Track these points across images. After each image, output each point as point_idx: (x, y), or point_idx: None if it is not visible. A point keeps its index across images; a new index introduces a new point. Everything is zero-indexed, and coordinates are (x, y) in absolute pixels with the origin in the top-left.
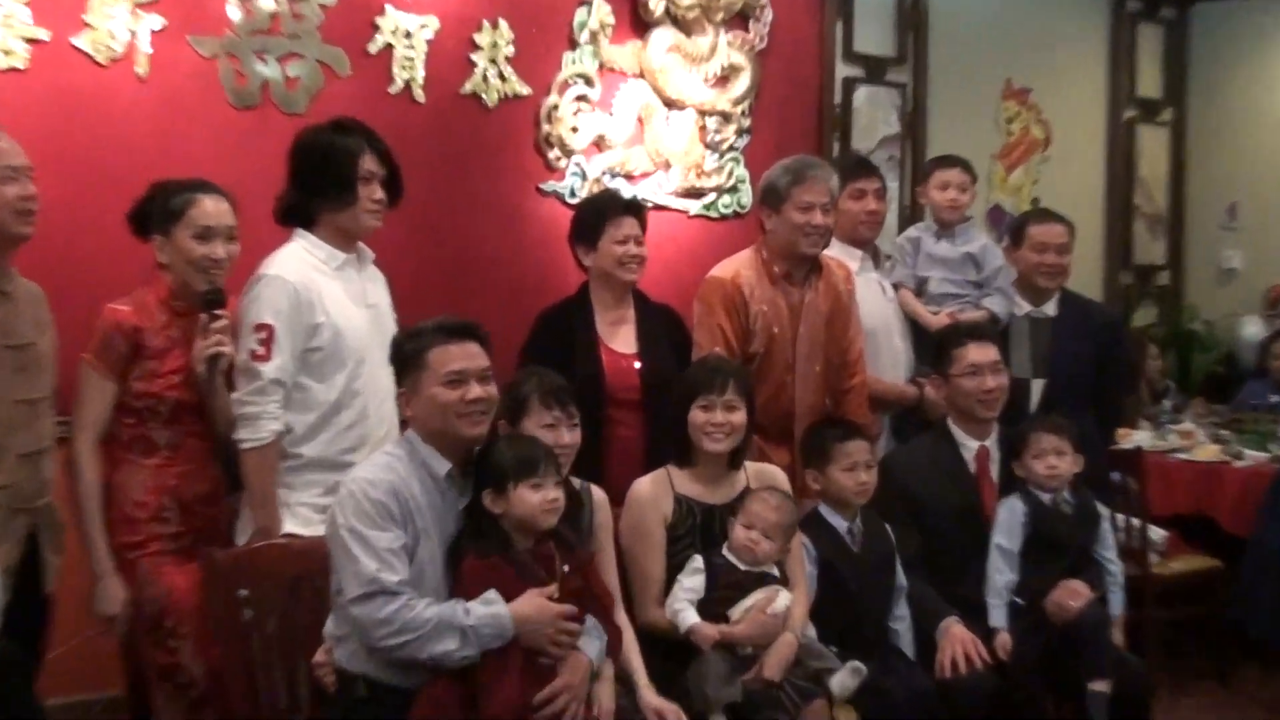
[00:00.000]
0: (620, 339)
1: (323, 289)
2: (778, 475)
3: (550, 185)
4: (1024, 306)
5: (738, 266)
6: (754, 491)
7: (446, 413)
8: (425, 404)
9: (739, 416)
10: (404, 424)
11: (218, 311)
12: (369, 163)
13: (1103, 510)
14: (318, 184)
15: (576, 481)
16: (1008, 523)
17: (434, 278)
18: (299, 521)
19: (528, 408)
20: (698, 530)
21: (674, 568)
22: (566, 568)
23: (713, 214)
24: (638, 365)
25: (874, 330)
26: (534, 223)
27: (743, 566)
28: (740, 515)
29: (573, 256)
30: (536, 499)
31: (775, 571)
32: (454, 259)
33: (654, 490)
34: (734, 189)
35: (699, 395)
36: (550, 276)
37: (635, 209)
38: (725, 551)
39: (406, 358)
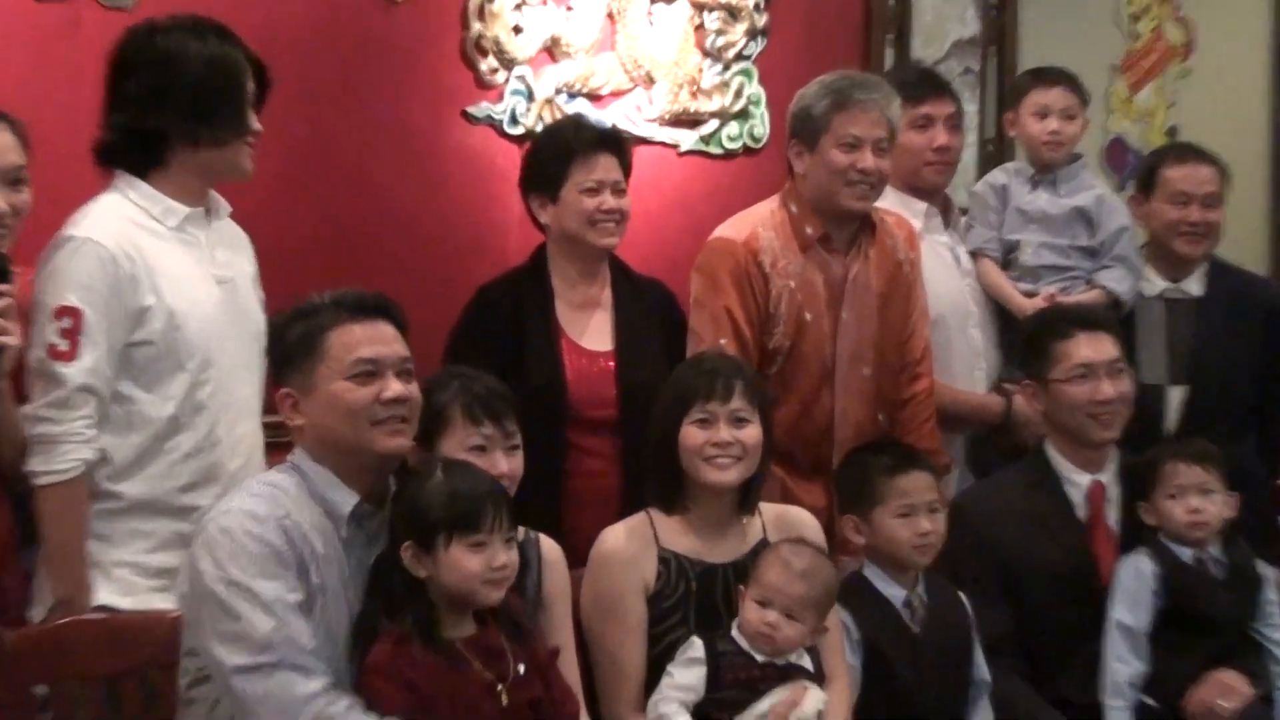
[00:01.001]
0: (591, 330)
1: (154, 258)
2: (807, 522)
3: (482, 109)
4: (1157, 283)
5: (754, 226)
6: (772, 549)
7: (354, 419)
8: (322, 408)
9: (751, 434)
10: (274, 448)
11: None
12: (249, 83)
13: (1266, 572)
14: (196, 109)
15: (520, 532)
16: (1133, 591)
17: (318, 240)
18: (118, 589)
19: (446, 422)
20: (692, 602)
21: (658, 655)
22: (522, 668)
23: (715, 150)
24: (614, 368)
25: (943, 317)
26: (460, 161)
27: (759, 657)
28: (752, 586)
29: (525, 211)
30: (476, 564)
31: (805, 661)
32: (347, 214)
33: (630, 545)
34: (744, 114)
35: (693, 405)
36: (487, 238)
37: (614, 144)
38: (734, 633)
39: (292, 345)
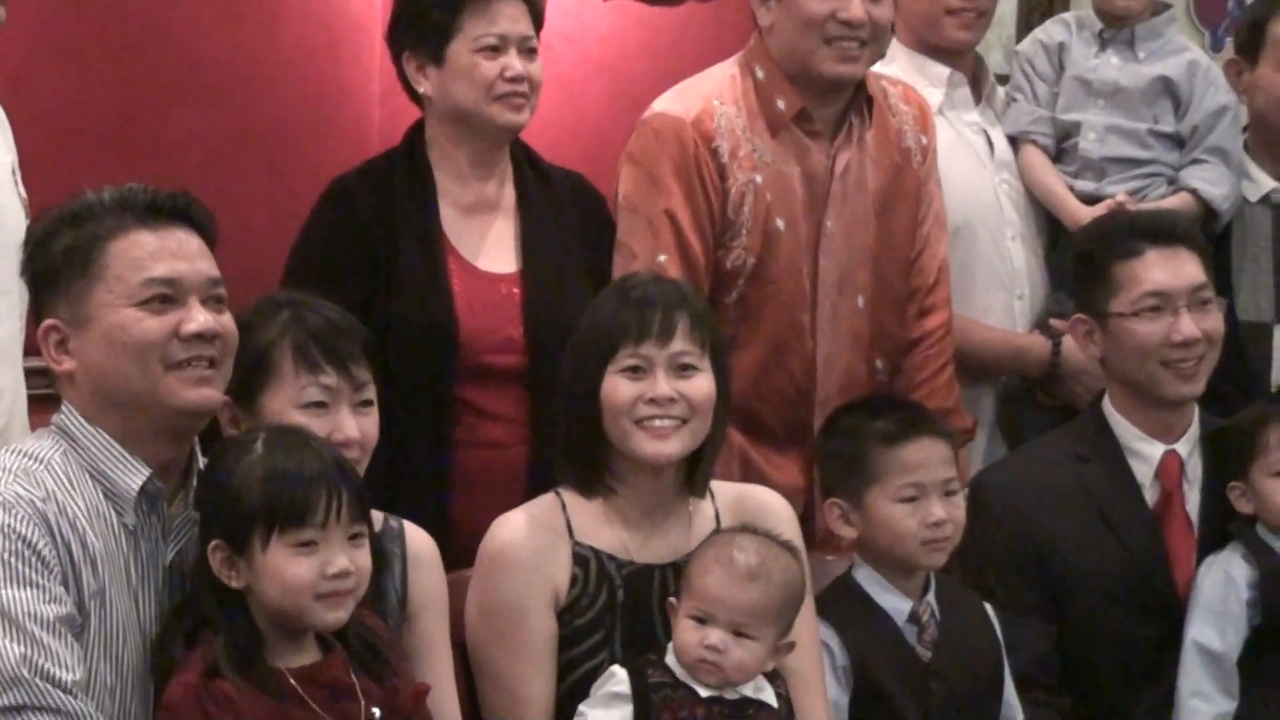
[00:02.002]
0: (488, 245)
1: None
2: (776, 507)
3: None
4: (1263, 183)
5: (707, 99)
6: (705, 546)
7: (143, 359)
8: (100, 346)
9: (699, 387)
10: (42, 402)
11: None
12: None
13: None
14: None
15: (377, 518)
16: (1219, 603)
17: (101, 117)
18: None
19: (272, 369)
20: (618, 616)
21: (570, 688)
22: (377, 711)
23: None
24: (520, 296)
25: (969, 227)
26: (300, 3)
27: (702, 690)
28: (685, 598)
29: (398, 76)
30: (304, 571)
31: (767, 695)
32: (140, 79)
33: (534, 538)
34: None
35: (619, 349)
36: (337, 114)
37: None
38: (670, 659)
39: (59, 261)
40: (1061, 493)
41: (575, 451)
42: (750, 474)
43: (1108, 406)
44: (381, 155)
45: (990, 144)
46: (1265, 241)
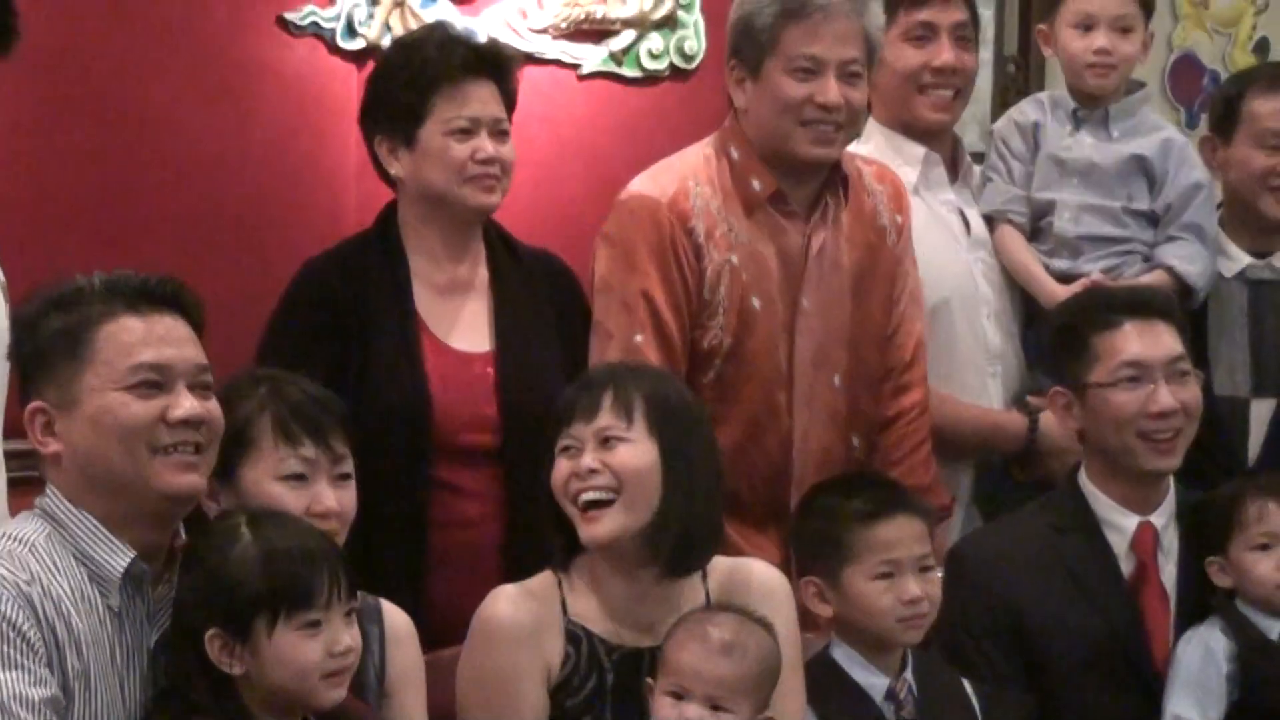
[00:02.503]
0: (462, 325)
1: None
2: (769, 581)
3: (306, 14)
4: (1238, 258)
5: (682, 179)
6: (680, 624)
7: (130, 444)
8: (87, 429)
9: (624, 457)
10: (22, 484)
11: None
12: None
13: None
14: None
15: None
16: (1198, 676)
17: (78, 196)
18: None
19: (251, 443)
20: (608, 700)
21: None
22: None
23: (630, 71)
24: (494, 376)
25: (945, 305)
26: (276, 86)
27: None
28: (662, 676)
29: (370, 159)
30: (314, 652)
31: None
32: (118, 160)
33: (529, 612)
34: (672, 22)
35: (558, 434)
36: (313, 195)
37: (493, 66)
38: None
39: (47, 344)
40: (1037, 562)
41: (556, 537)
42: (728, 553)
43: (1083, 478)
44: (354, 237)
45: (966, 222)
46: (1241, 317)
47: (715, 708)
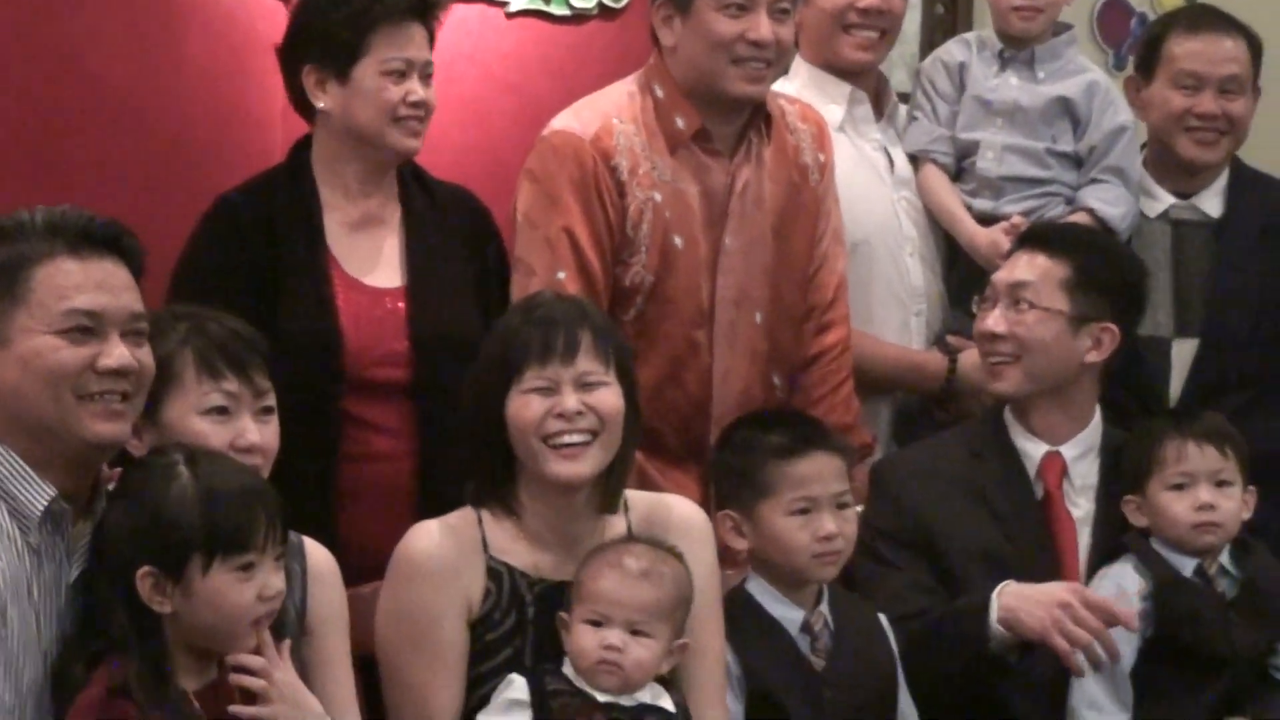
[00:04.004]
0: (373, 260)
1: None
2: (685, 514)
3: None
4: (1161, 200)
5: (606, 116)
6: (595, 555)
7: (56, 388)
8: (15, 368)
9: (607, 400)
10: None
11: None
12: None
13: None
14: None
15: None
16: None
17: (6, 138)
18: None
19: (174, 379)
20: (529, 634)
21: (480, 702)
22: None
23: (558, 10)
24: (406, 311)
25: (868, 243)
26: (204, 26)
27: (601, 696)
28: (578, 605)
29: (288, 87)
30: (248, 594)
31: (665, 702)
32: (46, 100)
33: (451, 549)
34: None
35: (525, 369)
36: (240, 136)
37: (432, 8)
38: (567, 669)
39: None
40: (952, 483)
41: (484, 474)
42: (647, 490)
43: (1008, 413)
44: (265, 172)
45: (891, 161)
46: (1163, 257)
47: (635, 632)
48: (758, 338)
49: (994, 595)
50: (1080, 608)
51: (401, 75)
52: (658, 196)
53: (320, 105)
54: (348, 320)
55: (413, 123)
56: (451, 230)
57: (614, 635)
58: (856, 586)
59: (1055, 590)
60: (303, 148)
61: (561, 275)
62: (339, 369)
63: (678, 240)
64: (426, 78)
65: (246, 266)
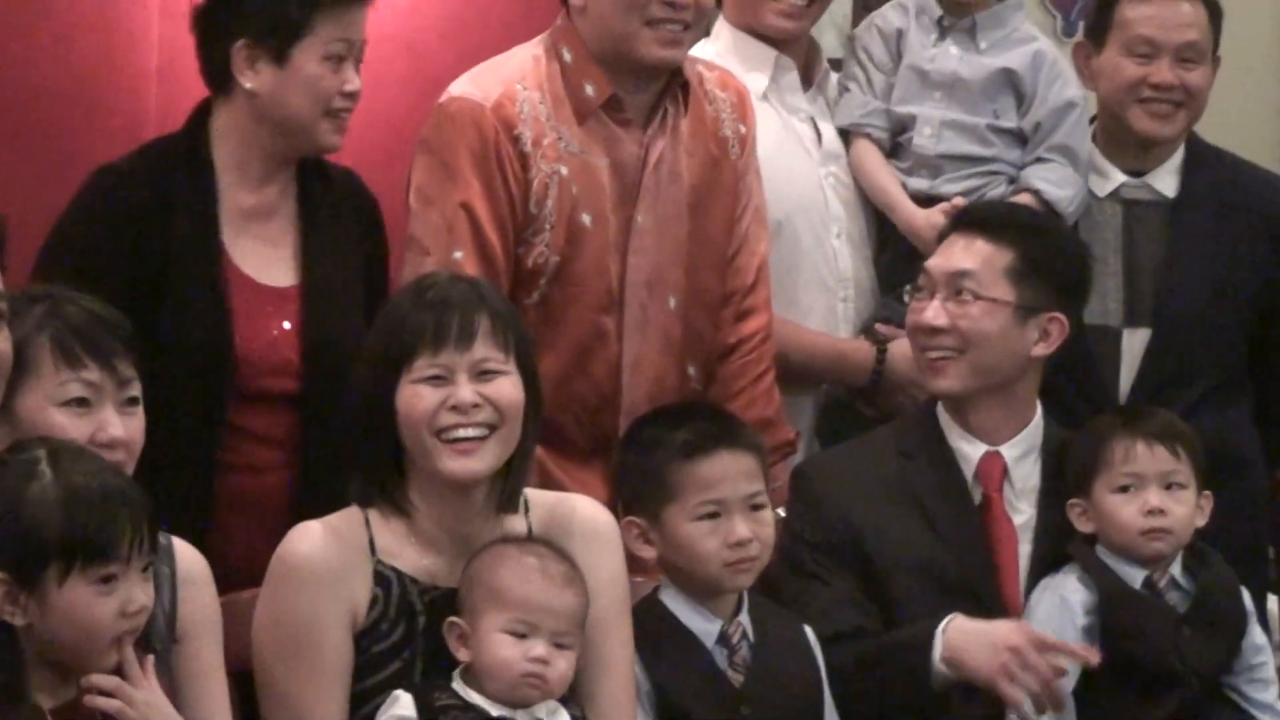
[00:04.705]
0: (267, 255)
1: None
2: (588, 514)
3: None
4: (1112, 177)
5: (508, 82)
6: (496, 555)
7: None
8: None
9: (505, 389)
10: None
11: None
12: None
13: (1250, 606)
14: None
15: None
16: (1055, 627)
17: None
18: None
19: (30, 365)
20: (419, 646)
21: (365, 717)
22: None
23: None
24: (297, 316)
25: (791, 222)
26: None
27: (494, 710)
28: (491, 611)
29: (203, 59)
30: (108, 609)
31: (562, 716)
32: None
33: (334, 552)
34: None
35: (416, 357)
36: (110, 97)
37: None
38: (457, 684)
39: None
40: (883, 487)
41: (371, 471)
42: (550, 489)
43: (941, 410)
44: (157, 143)
45: (818, 134)
46: (1114, 240)
47: (559, 645)
48: (671, 324)
49: (939, 631)
50: (1031, 652)
51: (340, 60)
52: (564, 170)
53: (248, 85)
54: (240, 330)
55: (344, 116)
56: (347, 226)
57: (540, 647)
58: (781, 602)
59: (1005, 632)
60: (201, 120)
61: (458, 255)
62: (227, 377)
63: (585, 218)
64: (359, 61)
65: (131, 253)
